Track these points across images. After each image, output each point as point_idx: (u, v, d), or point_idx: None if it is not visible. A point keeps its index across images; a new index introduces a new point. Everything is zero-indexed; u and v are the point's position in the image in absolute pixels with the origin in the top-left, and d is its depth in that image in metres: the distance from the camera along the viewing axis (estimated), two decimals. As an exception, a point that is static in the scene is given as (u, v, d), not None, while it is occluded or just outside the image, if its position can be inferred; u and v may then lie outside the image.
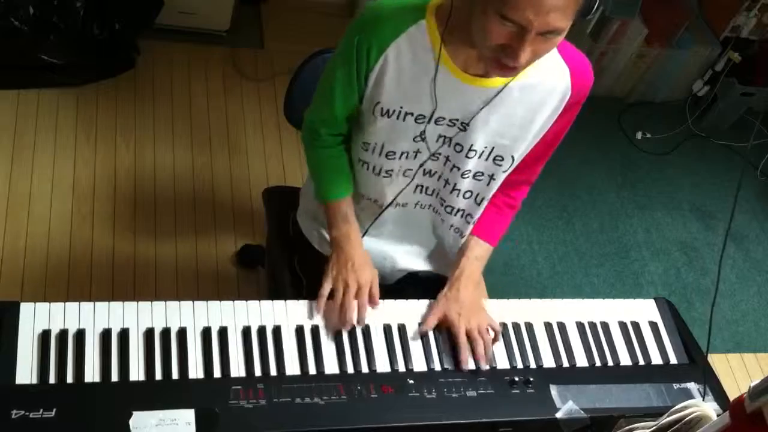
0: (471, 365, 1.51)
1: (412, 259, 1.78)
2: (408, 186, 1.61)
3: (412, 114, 1.48)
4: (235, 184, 2.76)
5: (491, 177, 1.58)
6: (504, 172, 1.58)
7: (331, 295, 1.55)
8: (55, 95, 2.77)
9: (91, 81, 2.84)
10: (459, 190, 1.61)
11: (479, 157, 1.54)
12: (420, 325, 1.55)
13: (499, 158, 1.55)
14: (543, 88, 1.47)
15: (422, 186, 1.63)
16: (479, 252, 1.66)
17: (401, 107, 1.47)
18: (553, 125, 1.53)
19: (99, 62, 2.83)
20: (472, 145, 1.52)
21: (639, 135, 3.50)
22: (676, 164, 3.46)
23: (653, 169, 3.41)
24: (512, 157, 1.55)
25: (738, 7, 3.34)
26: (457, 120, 1.48)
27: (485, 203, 1.64)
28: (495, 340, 1.57)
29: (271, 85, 3.08)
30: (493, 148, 1.53)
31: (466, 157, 1.54)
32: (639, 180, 3.35)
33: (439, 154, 1.55)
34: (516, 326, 1.61)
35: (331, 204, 1.64)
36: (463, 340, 1.53)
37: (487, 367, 1.52)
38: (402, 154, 1.54)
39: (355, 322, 1.51)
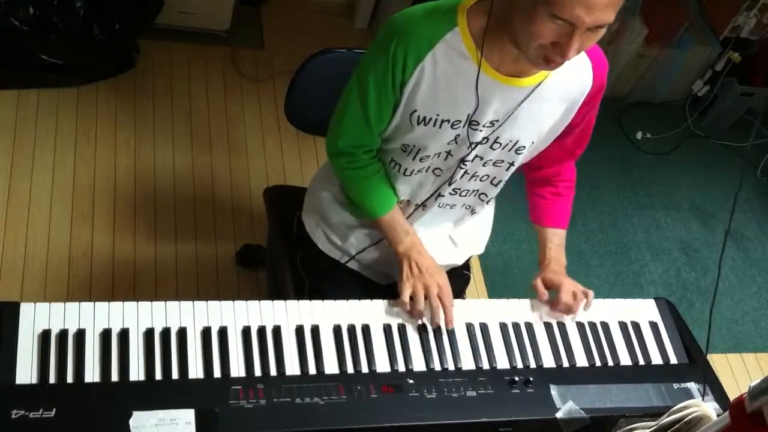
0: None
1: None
2: (440, 187, 1.64)
3: (448, 120, 1.49)
4: (235, 184, 2.76)
5: (511, 164, 1.62)
6: (522, 159, 1.62)
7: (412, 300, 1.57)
8: (55, 95, 2.77)
9: (91, 81, 2.84)
10: (477, 175, 1.63)
11: (503, 148, 1.57)
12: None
13: (522, 148, 1.58)
14: (569, 82, 1.50)
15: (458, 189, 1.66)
16: (558, 240, 1.75)
17: (438, 115, 1.48)
18: (579, 113, 1.58)
19: (99, 62, 2.83)
20: (498, 138, 1.54)
21: (639, 135, 3.50)
22: (676, 164, 3.46)
23: (653, 169, 3.41)
24: (532, 142, 1.58)
25: (738, 7, 3.34)
26: (488, 121, 1.50)
27: (501, 185, 1.68)
28: (588, 302, 1.66)
29: (271, 85, 3.08)
30: (517, 141, 1.56)
31: (491, 148, 1.56)
32: (639, 180, 3.35)
33: (468, 160, 1.57)
34: (516, 326, 1.61)
35: (385, 219, 1.65)
36: (566, 297, 1.64)
37: (487, 366, 1.53)
38: (435, 155, 1.56)
39: (442, 321, 1.55)
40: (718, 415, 1.18)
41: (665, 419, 1.27)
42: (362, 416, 1.38)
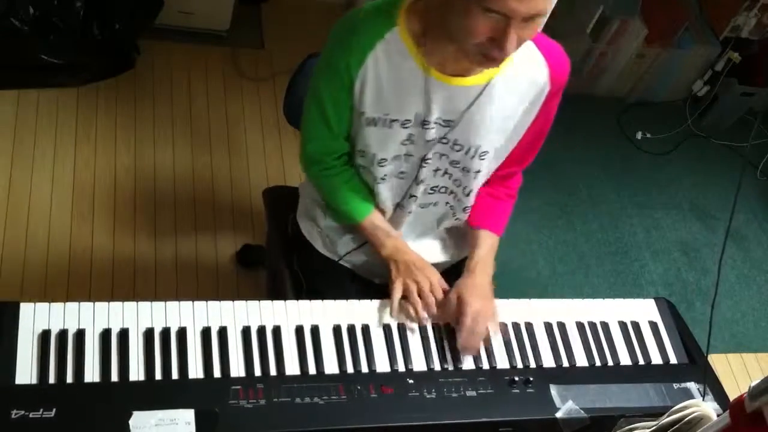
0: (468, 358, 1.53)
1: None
2: (409, 188, 1.62)
3: (397, 120, 1.48)
4: (235, 184, 2.76)
5: (477, 172, 1.59)
6: (488, 164, 1.59)
7: (404, 298, 1.56)
8: (55, 95, 2.77)
9: (91, 81, 2.84)
10: (446, 173, 1.61)
11: (465, 153, 1.55)
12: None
13: (484, 153, 1.55)
14: (522, 80, 1.47)
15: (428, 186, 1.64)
16: (489, 243, 1.69)
17: (386, 114, 1.48)
18: (537, 117, 1.55)
19: (99, 62, 2.83)
20: (457, 140, 1.52)
21: (639, 135, 3.50)
22: (676, 164, 3.46)
23: (653, 169, 3.41)
24: (495, 149, 1.55)
25: (738, 7, 3.34)
26: (440, 119, 1.49)
27: (473, 195, 1.65)
28: (490, 336, 1.56)
29: (271, 85, 3.08)
30: (479, 146, 1.53)
31: (453, 149, 1.54)
32: (639, 180, 3.35)
33: (429, 159, 1.55)
34: (516, 326, 1.61)
35: (365, 224, 1.64)
36: (468, 322, 1.52)
37: (487, 366, 1.53)
38: (394, 158, 1.55)
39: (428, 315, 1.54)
40: (718, 415, 1.18)
41: (665, 419, 1.27)
42: (362, 416, 1.38)
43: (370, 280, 1.80)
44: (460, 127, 1.49)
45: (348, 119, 1.53)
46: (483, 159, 1.56)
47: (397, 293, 1.55)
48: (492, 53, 1.29)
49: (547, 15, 1.27)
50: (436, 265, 1.81)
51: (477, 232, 1.69)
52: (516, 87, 1.47)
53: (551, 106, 1.55)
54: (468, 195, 1.64)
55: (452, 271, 1.85)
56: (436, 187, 1.64)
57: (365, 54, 1.41)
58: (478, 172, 1.59)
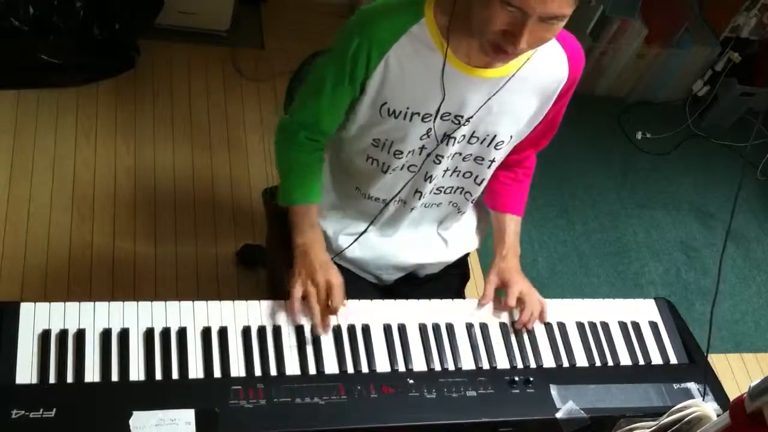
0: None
1: (418, 253, 1.78)
2: (417, 184, 1.62)
3: (418, 114, 1.48)
4: (235, 184, 2.76)
5: (491, 161, 1.60)
6: (502, 154, 1.61)
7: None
8: (55, 95, 2.77)
9: (91, 81, 2.84)
10: (459, 171, 1.62)
11: (481, 143, 1.56)
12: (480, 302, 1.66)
13: (500, 143, 1.56)
14: (543, 74, 1.49)
15: (438, 185, 1.64)
16: (514, 227, 1.74)
17: (407, 108, 1.47)
18: (551, 109, 1.56)
19: (99, 62, 2.83)
20: (474, 132, 1.53)
21: (639, 135, 3.50)
22: (676, 164, 3.46)
23: (653, 169, 3.41)
24: (510, 137, 1.57)
25: (738, 7, 3.34)
26: (462, 116, 1.49)
27: (485, 183, 1.67)
28: (543, 316, 1.65)
29: (271, 85, 3.08)
30: (495, 135, 1.54)
31: (468, 143, 1.55)
32: (639, 180, 3.35)
33: (442, 156, 1.55)
34: (516, 326, 1.62)
35: (299, 209, 1.62)
36: (512, 303, 1.63)
37: (487, 366, 1.53)
38: (409, 152, 1.55)
39: (323, 324, 1.49)
40: (718, 415, 1.18)
41: (665, 419, 1.27)
42: (362, 416, 1.38)
43: (365, 279, 1.80)
44: (479, 117, 1.50)
45: (339, 113, 1.53)
46: (499, 149, 1.57)
47: (297, 293, 1.52)
48: (505, 46, 1.30)
49: (566, 19, 1.28)
50: (436, 264, 1.82)
51: (502, 217, 1.74)
52: (537, 79, 1.48)
53: (566, 97, 1.57)
54: (480, 184, 1.66)
55: (453, 267, 1.85)
56: (442, 187, 1.65)
57: (387, 47, 1.41)
58: (492, 161, 1.60)
